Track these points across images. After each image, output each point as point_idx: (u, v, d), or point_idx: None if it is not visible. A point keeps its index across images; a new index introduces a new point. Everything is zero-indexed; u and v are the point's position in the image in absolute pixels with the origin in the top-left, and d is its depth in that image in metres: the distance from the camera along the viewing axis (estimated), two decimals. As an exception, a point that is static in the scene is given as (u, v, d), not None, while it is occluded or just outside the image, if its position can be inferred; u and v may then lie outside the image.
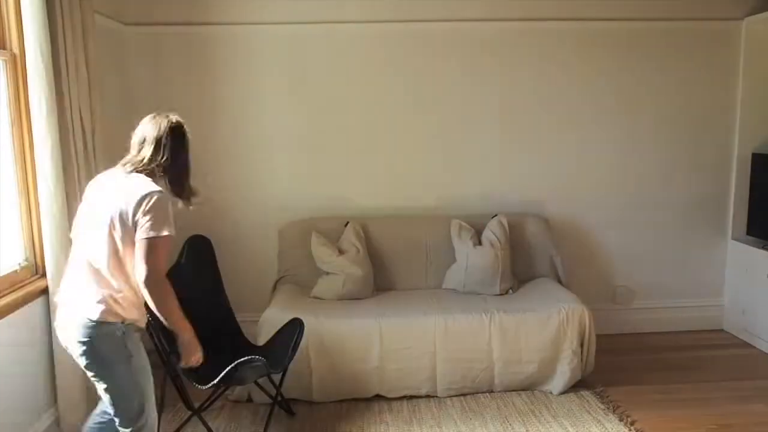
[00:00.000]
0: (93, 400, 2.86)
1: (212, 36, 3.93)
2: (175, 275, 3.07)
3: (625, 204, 4.29)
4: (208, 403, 3.13)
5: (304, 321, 3.28)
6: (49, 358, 2.81)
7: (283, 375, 3.01)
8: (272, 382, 3.06)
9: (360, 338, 3.29)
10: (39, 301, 2.68)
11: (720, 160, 4.29)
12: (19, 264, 2.71)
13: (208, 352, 2.90)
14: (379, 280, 3.87)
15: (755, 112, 4.19)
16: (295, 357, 3.25)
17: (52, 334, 2.68)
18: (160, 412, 2.90)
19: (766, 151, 4.15)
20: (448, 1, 3.98)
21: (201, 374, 2.61)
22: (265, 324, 3.26)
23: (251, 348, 3.14)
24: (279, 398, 3.09)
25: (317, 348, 3.26)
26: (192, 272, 3.16)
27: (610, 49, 4.10)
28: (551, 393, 3.39)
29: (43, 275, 2.75)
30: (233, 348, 3.09)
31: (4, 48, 2.64)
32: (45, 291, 2.69)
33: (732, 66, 4.19)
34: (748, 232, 4.23)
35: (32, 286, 2.65)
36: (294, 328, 3.01)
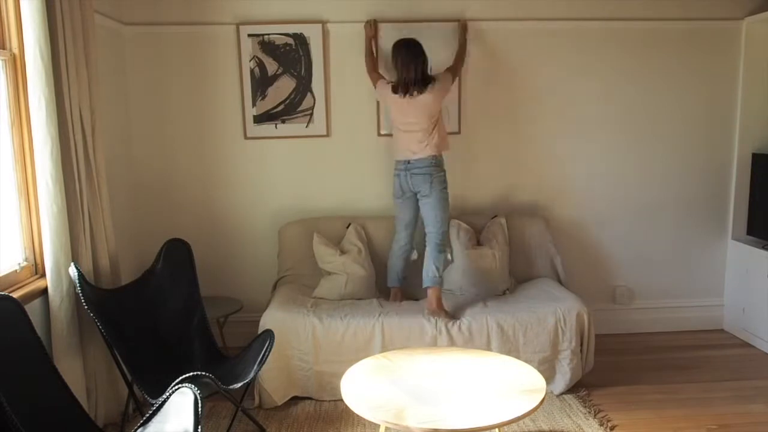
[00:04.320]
0: (93, 398, 2.88)
1: (212, 36, 3.93)
2: (148, 280, 3.10)
3: (625, 204, 4.29)
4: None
5: (305, 320, 3.30)
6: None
7: (247, 387, 2.85)
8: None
9: (361, 338, 3.29)
10: (39, 301, 2.68)
11: (720, 160, 4.29)
12: (19, 264, 2.71)
13: (175, 362, 2.88)
14: (380, 281, 3.87)
15: (755, 112, 4.20)
16: (300, 357, 3.27)
17: (52, 334, 2.69)
18: (124, 420, 2.95)
19: (766, 151, 4.15)
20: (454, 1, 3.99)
21: (158, 385, 2.54)
22: (265, 324, 3.26)
23: (221, 359, 3.09)
24: (241, 409, 2.98)
25: (319, 347, 3.27)
26: (167, 278, 3.14)
27: (609, 49, 4.11)
28: (551, 393, 3.39)
29: (43, 275, 2.75)
30: (204, 359, 3.07)
31: (3, 48, 2.64)
32: (45, 291, 2.69)
33: (732, 66, 4.19)
34: (748, 232, 4.23)
35: (32, 286, 2.65)
36: (265, 340, 2.90)
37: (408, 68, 3.49)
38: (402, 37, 3.67)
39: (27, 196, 2.75)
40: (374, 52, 3.87)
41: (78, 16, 2.84)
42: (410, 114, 3.51)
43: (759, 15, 4.03)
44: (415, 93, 3.47)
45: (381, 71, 3.84)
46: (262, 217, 4.11)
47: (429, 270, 3.50)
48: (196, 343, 3.12)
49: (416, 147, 3.50)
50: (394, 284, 3.75)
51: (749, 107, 4.19)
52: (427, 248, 3.56)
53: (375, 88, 3.76)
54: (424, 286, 3.50)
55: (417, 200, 3.59)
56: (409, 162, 3.52)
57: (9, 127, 2.67)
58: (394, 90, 3.54)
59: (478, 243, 3.84)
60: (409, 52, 3.52)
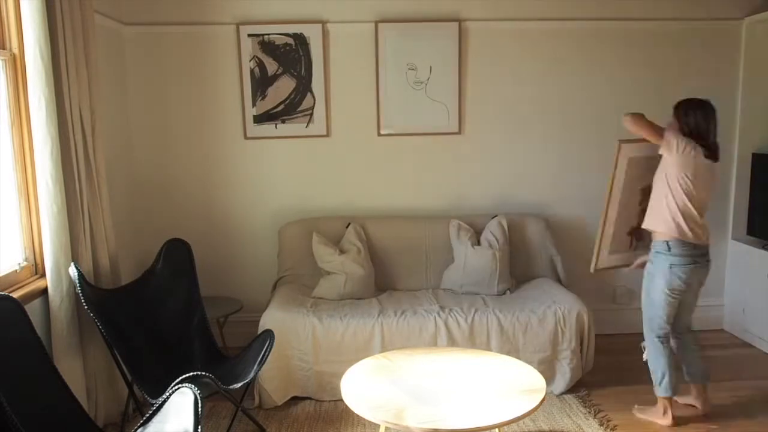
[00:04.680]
0: (93, 398, 2.88)
1: (212, 36, 3.93)
2: (148, 280, 3.11)
3: (625, 204, 4.29)
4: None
5: (305, 320, 3.30)
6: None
7: (247, 387, 2.86)
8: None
9: (361, 338, 3.29)
10: (39, 301, 2.68)
11: (720, 161, 4.27)
12: (19, 264, 2.71)
13: (175, 362, 2.89)
14: (379, 281, 3.88)
15: (755, 112, 4.20)
16: (300, 357, 3.27)
17: (52, 334, 2.68)
18: (124, 420, 2.96)
19: (766, 151, 4.15)
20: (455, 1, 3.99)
21: (158, 385, 2.54)
22: (265, 324, 3.26)
23: (221, 359, 3.09)
24: (241, 409, 2.98)
25: (318, 347, 3.27)
26: (167, 278, 3.14)
27: (609, 49, 4.11)
28: (551, 393, 3.39)
29: (43, 275, 2.75)
30: (204, 359, 3.07)
31: (3, 48, 2.64)
32: (45, 291, 2.69)
33: (732, 66, 4.19)
34: (748, 232, 4.23)
35: (32, 286, 2.65)
36: (265, 340, 2.90)
37: (712, 128, 2.98)
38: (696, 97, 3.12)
39: (27, 196, 2.75)
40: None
41: (78, 16, 2.84)
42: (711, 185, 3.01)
43: (759, 15, 4.03)
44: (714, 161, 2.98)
45: None
46: (262, 217, 4.11)
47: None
48: (196, 343, 3.12)
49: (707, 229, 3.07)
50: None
51: (749, 107, 4.19)
52: (687, 338, 3.17)
53: (663, 143, 2.99)
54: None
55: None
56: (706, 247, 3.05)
57: (9, 127, 2.67)
58: (706, 155, 2.94)
59: (478, 243, 3.84)
60: (711, 111, 3.02)
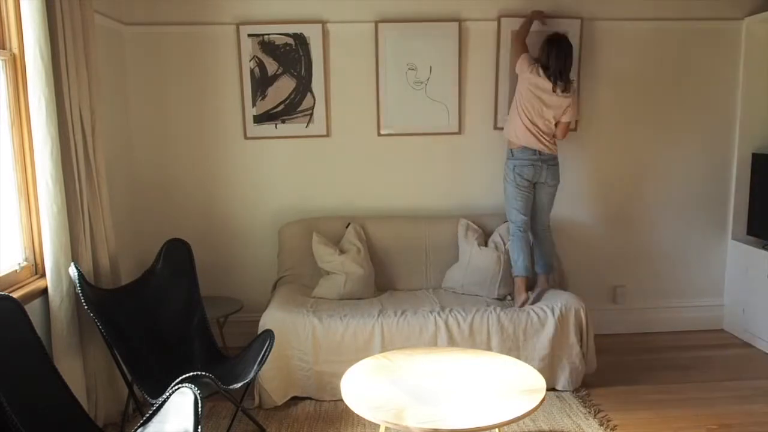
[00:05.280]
0: (93, 398, 2.88)
1: (212, 36, 3.93)
2: (148, 280, 3.12)
3: (625, 204, 4.29)
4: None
5: (305, 320, 3.30)
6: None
7: (247, 387, 2.85)
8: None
9: (361, 338, 3.29)
10: (39, 301, 2.68)
11: (720, 160, 4.29)
12: (19, 264, 2.71)
13: (175, 362, 2.90)
14: (380, 281, 3.88)
15: (755, 112, 4.20)
16: (300, 357, 3.27)
17: (52, 334, 2.69)
18: (124, 420, 2.96)
19: (766, 151, 4.15)
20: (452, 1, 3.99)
21: (158, 385, 2.55)
22: (265, 324, 3.26)
23: (221, 359, 3.09)
24: (241, 409, 2.99)
25: (319, 347, 3.27)
26: (167, 278, 3.14)
27: (609, 49, 4.11)
28: (552, 393, 3.39)
29: (43, 275, 2.75)
30: (204, 359, 3.07)
31: (3, 48, 2.64)
32: (45, 291, 2.69)
33: (732, 66, 4.19)
34: (748, 232, 4.24)
35: (32, 286, 2.65)
36: (265, 340, 2.90)
37: (561, 60, 3.58)
38: (556, 32, 3.73)
39: (27, 196, 2.75)
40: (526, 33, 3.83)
41: (78, 16, 2.84)
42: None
43: (759, 15, 4.03)
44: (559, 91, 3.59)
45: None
46: (262, 217, 4.11)
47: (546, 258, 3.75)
48: (196, 343, 3.12)
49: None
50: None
51: (749, 107, 4.20)
52: (542, 235, 3.76)
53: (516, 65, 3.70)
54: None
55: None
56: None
57: (9, 127, 2.67)
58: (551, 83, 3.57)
59: (485, 244, 3.84)
60: (563, 48, 3.60)
